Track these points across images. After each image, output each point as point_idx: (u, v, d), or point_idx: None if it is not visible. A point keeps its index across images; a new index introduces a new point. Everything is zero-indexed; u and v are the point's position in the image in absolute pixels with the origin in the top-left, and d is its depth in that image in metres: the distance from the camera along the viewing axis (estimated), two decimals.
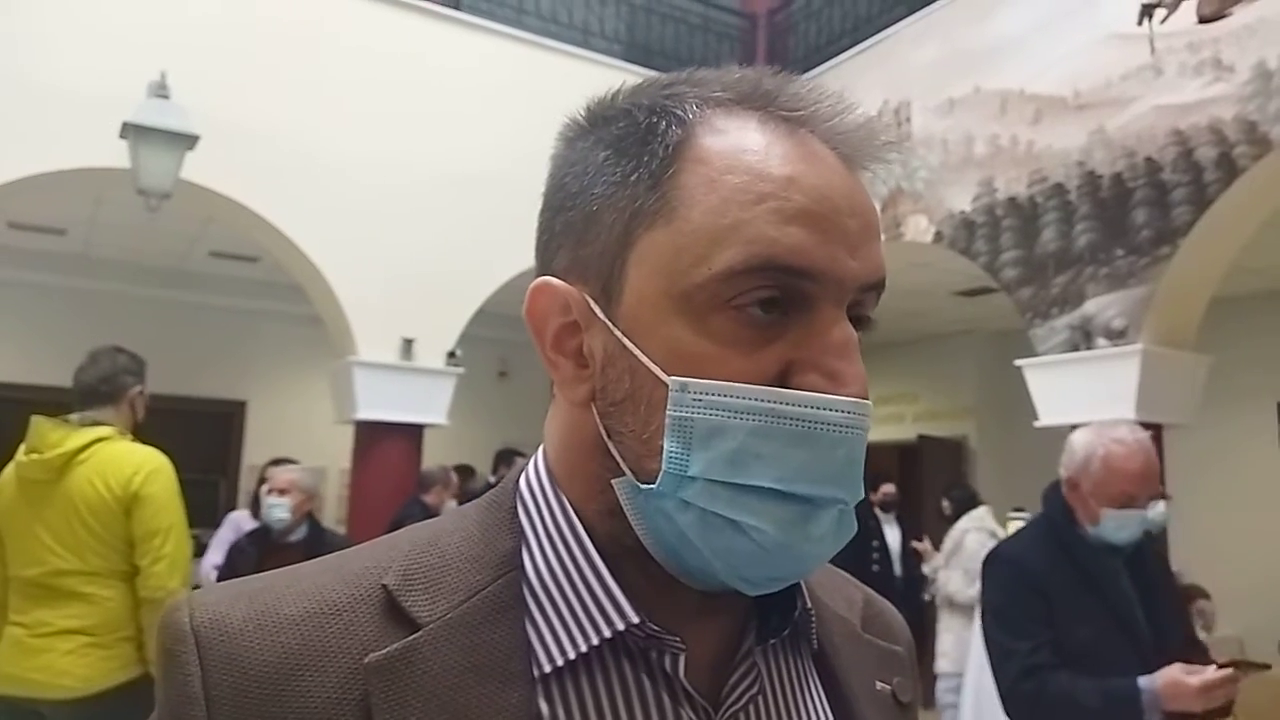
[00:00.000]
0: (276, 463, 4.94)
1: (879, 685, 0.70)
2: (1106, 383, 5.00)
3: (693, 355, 0.54)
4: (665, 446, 0.54)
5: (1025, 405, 5.54)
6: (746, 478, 0.53)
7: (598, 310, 0.58)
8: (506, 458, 7.16)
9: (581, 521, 0.60)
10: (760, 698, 0.62)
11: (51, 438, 2.98)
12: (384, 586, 0.58)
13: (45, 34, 5.36)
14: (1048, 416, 5.39)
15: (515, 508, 0.63)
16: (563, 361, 0.60)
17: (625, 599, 0.57)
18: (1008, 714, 2.30)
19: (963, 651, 5.51)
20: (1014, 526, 5.82)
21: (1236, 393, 7.02)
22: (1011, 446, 8.76)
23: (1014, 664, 2.24)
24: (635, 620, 0.56)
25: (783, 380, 0.55)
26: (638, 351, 0.56)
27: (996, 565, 2.44)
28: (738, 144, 0.57)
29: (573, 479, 0.62)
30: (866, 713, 0.67)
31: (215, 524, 6.28)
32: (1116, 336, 5.00)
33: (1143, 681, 2.11)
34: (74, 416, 3.07)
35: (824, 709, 0.66)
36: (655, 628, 0.57)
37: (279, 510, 3.96)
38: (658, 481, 0.54)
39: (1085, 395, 5.10)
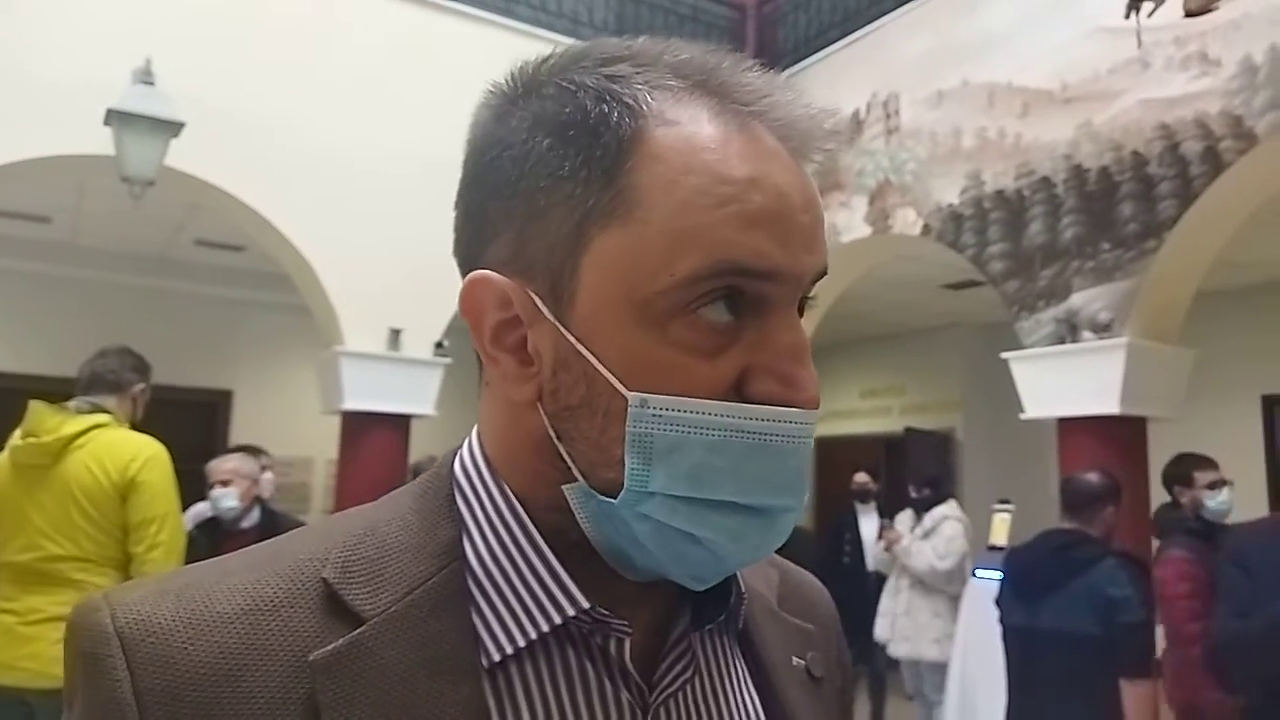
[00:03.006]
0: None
1: (795, 661, 0.71)
2: (1092, 376, 5.03)
3: (652, 363, 0.53)
4: (626, 462, 0.53)
5: (1012, 398, 5.57)
6: (706, 493, 0.53)
7: (546, 310, 0.56)
8: None
9: (525, 510, 0.59)
10: (691, 684, 0.62)
11: (49, 423, 2.99)
12: (323, 580, 0.56)
13: (29, 19, 5.31)
14: (1034, 409, 5.41)
15: (452, 494, 0.62)
16: (504, 357, 0.58)
17: (574, 585, 0.57)
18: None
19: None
20: (999, 519, 5.85)
21: (1221, 386, 7.08)
22: (998, 439, 8.82)
23: None
24: (586, 606, 0.56)
25: (739, 385, 0.55)
26: (595, 361, 0.54)
27: None
28: (693, 140, 0.54)
29: (514, 472, 0.60)
30: (787, 688, 0.68)
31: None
32: (1102, 330, 5.03)
33: None
34: (72, 403, 3.08)
35: (749, 687, 0.67)
36: (604, 612, 0.57)
37: (228, 500, 3.97)
38: (619, 498, 0.54)
39: (1071, 388, 5.13)
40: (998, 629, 3.60)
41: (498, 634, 0.57)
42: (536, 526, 0.59)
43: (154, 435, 3.13)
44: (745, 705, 0.66)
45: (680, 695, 0.61)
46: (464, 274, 0.60)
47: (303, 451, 8.63)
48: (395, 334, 6.40)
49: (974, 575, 5.43)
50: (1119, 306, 5.00)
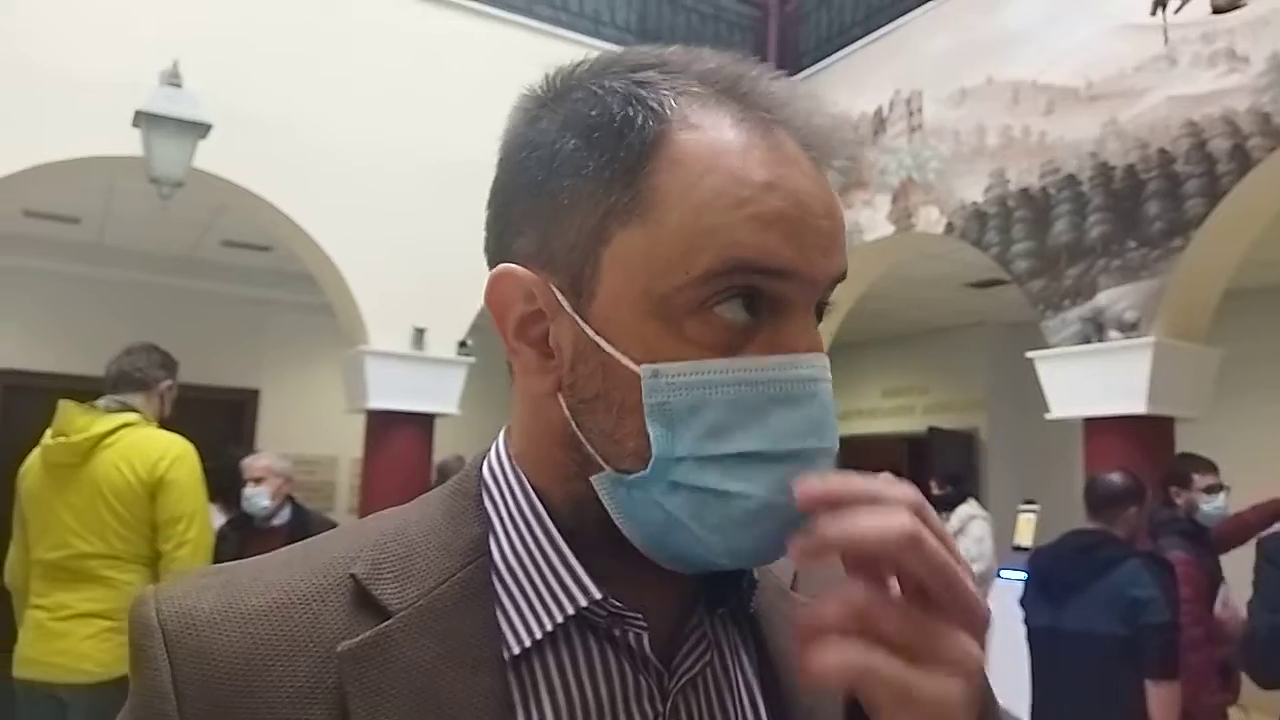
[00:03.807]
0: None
1: None
2: (1118, 375, 4.99)
3: (667, 357, 0.55)
4: (650, 433, 0.55)
5: (1037, 397, 5.53)
6: (733, 446, 0.54)
7: (565, 304, 0.58)
8: None
9: (545, 504, 0.61)
10: (709, 667, 0.63)
11: (79, 422, 3.02)
12: (353, 576, 0.58)
13: (59, 22, 5.38)
14: (1059, 409, 5.38)
15: (480, 494, 0.64)
16: (526, 350, 0.60)
17: (588, 576, 0.58)
18: None
19: None
20: (1024, 519, 5.82)
21: (1249, 386, 7.00)
22: (1023, 439, 8.76)
23: None
24: (598, 596, 0.57)
25: None
26: (612, 349, 0.56)
27: None
28: (715, 144, 0.56)
29: (538, 466, 0.62)
30: (789, 669, 0.67)
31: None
32: (1129, 329, 4.99)
33: None
34: (100, 402, 3.12)
35: (752, 670, 0.67)
36: (617, 604, 0.58)
37: (260, 499, 4.00)
38: (649, 467, 0.55)
39: (1097, 387, 5.09)
40: (1022, 629, 3.58)
41: (518, 627, 0.58)
42: (556, 518, 0.60)
43: (182, 434, 3.16)
44: (749, 691, 0.67)
45: (699, 681, 0.63)
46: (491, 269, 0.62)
47: (328, 450, 8.69)
48: (419, 333, 6.43)
49: (998, 575, 5.41)
50: (1145, 305, 4.95)
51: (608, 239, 0.56)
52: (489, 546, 0.61)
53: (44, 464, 3.05)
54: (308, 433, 8.52)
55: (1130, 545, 3.36)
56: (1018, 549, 5.59)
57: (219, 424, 8.42)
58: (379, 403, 6.32)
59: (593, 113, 0.58)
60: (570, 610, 0.58)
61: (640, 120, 0.57)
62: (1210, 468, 4.28)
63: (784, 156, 0.57)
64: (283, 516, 4.09)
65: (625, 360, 0.55)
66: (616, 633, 0.60)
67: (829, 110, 0.60)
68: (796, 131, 0.59)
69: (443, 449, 6.69)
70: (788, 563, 0.76)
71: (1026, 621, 3.54)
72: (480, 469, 0.66)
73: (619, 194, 0.56)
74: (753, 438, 0.54)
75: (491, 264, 0.63)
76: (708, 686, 0.63)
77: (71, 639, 2.91)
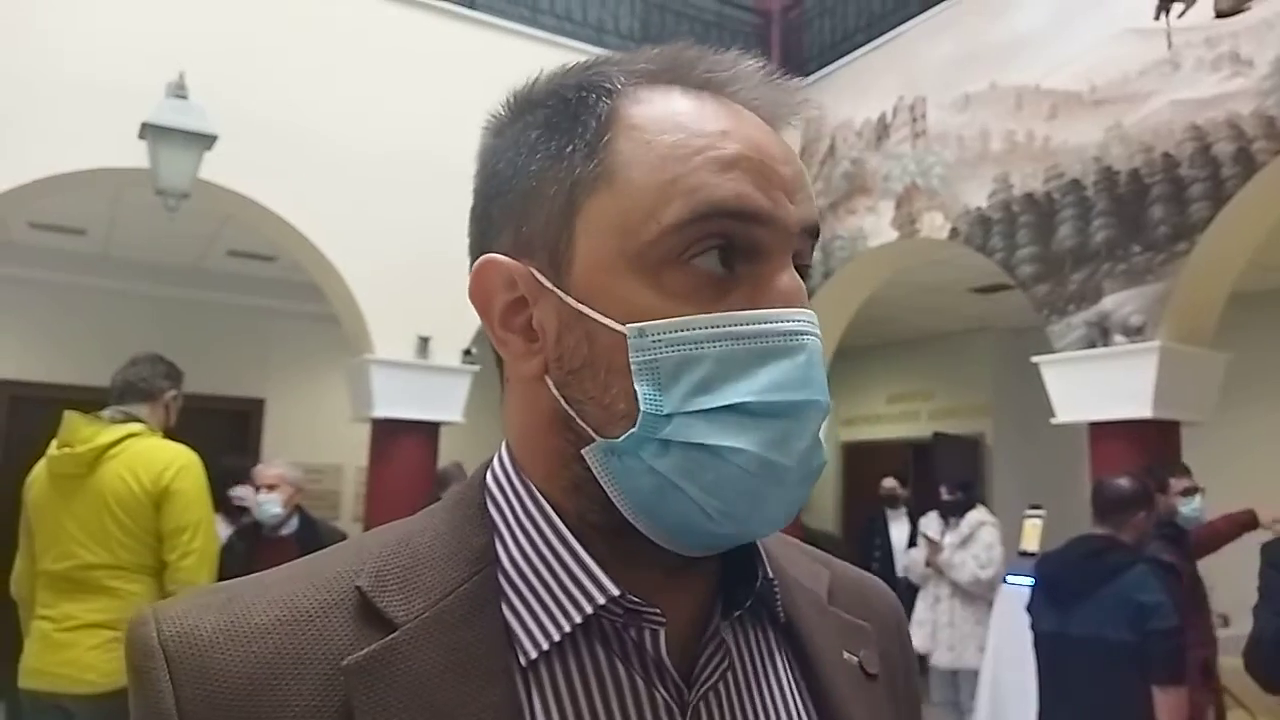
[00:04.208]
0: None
1: (846, 655, 0.70)
2: (1124, 380, 4.98)
3: (650, 312, 0.55)
4: (638, 390, 0.55)
5: (1042, 402, 5.52)
6: (722, 399, 0.54)
7: (546, 281, 0.59)
8: None
9: (549, 502, 0.60)
10: (730, 673, 0.62)
11: (84, 432, 3.03)
12: (357, 589, 0.57)
13: (64, 33, 5.40)
14: (1065, 414, 5.37)
15: (484, 503, 0.63)
16: (511, 338, 0.61)
17: (603, 573, 0.57)
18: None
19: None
20: (1030, 524, 5.80)
21: (1255, 390, 6.98)
22: (1028, 444, 8.74)
23: None
24: (615, 593, 0.56)
25: None
26: (593, 313, 0.56)
27: None
28: (666, 108, 0.59)
29: (535, 459, 0.62)
30: (836, 681, 0.67)
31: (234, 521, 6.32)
32: (1134, 333, 4.98)
33: None
34: (106, 413, 3.13)
35: (792, 680, 0.66)
36: (635, 599, 0.57)
37: (271, 506, 3.99)
38: (637, 425, 0.55)
39: (1103, 392, 5.08)
40: (1029, 635, 3.57)
41: (533, 630, 0.57)
42: (561, 515, 0.60)
43: (187, 444, 3.17)
44: (790, 701, 0.65)
45: (719, 691, 0.61)
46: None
47: (333, 459, 8.69)
48: (424, 342, 6.43)
49: (1005, 581, 5.39)
50: (1151, 309, 4.95)
51: (578, 209, 0.58)
52: (496, 554, 0.60)
53: (49, 475, 3.06)
54: (313, 442, 8.51)
55: (1137, 550, 3.35)
56: (1024, 554, 5.56)
57: (224, 433, 8.43)
58: (384, 411, 6.32)
59: (549, 103, 0.62)
60: (588, 609, 0.57)
61: (593, 99, 0.60)
62: (1185, 471, 4.33)
63: (734, 111, 0.60)
64: (291, 526, 4.09)
65: (609, 322, 0.56)
66: (631, 634, 0.58)
67: (774, 77, 0.63)
68: (742, 96, 0.61)
69: (447, 458, 6.69)
70: (823, 575, 0.75)
71: (1033, 627, 3.53)
72: (484, 477, 0.65)
73: (582, 166, 0.58)
74: (741, 390, 0.54)
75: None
76: (730, 696, 0.62)
77: (77, 649, 2.91)
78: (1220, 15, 4.76)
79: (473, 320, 6.48)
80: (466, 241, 0.66)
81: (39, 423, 3.17)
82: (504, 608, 0.58)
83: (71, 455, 3.00)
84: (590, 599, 0.57)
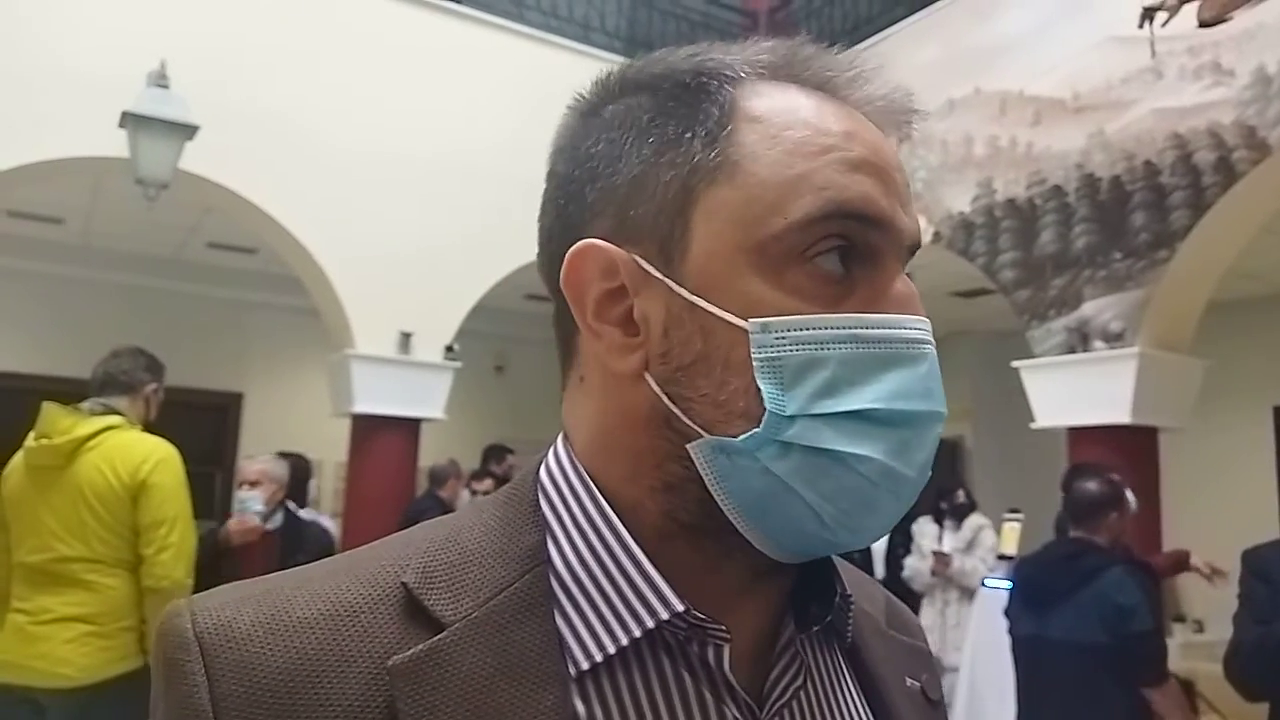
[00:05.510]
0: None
1: (909, 681, 0.69)
2: (1103, 385, 5.01)
3: (770, 309, 0.53)
4: (761, 389, 0.52)
5: (1022, 407, 5.55)
6: (846, 404, 0.53)
7: (655, 270, 0.56)
8: (496, 453, 7.12)
9: (615, 508, 0.57)
10: (803, 691, 0.59)
11: (62, 424, 3.00)
12: (403, 585, 0.55)
13: (44, 21, 5.35)
14: (1044, 418, 5.40)
15: (537, 500, 0.60)
16: (608, 330, 0.57)
17: (668, 586, 0.54)
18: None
19: None
20: (1009, 528, 5.83)
21: (1233, 397, 7.05)
22: (1008, 448, 8.78)
23: None
24: (680, 608, 0.54)
25: None
26: (710, 305, 0.54)
27: None
28: (789, 104, 0.58)
29: (613, 460, 0.59)
30: (902, 708, 0.66)
31: (211, 516, 6.28)
32: (1114, 339, 5.02)
33: None
34: (85, 405, 3.10)
35: (862, 704, 0.64)
36: (700, 615, 0.54)
37: (253, 503, 3.94)
38: (762, 425, 0.52)
39: (1082, 397, 5.11)
40: (1007, 639, 3.58)
41: (586, 640, 0.55)
42: (631, 519, 0.57)
43: (165, 437, 3.14)
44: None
45: (792, 709, 0.58)
46: (556, 271, 0.60)
47: (312, 454, 8.62)
48: (405, 337, 6.41)
49: (983, 584, 5.42)
50: (1130, 316, 4.98)
51: (695, 198, 0.56)
52: (548, 553, 0.57)
53: (27, 466, 3.03)
54: (292, 436, 8.43)
55: (1112, 553, 3.37)
56: (1003, 558, 5.59)
57: (203, 428, 8.37)
58: (364, 407, 6.29)
59: (664, 86, 0.59)
60: (650, 624, 0.54)
61: (715, 86, 0.58)
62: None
63: (852, 114, 0.59)
64: (275, 521, 4.05)
65: (728, 316, 0.54)
66: (695, 649, 0.56)
67: (888, 80, 0.62)
68: (856, 99, 0.60)
69: (428, 454, 6.67)
70: (879, 601, 0.73)
71: (1011, 631, 3.55)
72: (536, 473, 0.62)
73: (702, 154, 0.56)
74: (866, 396, 0.53)
75: (554, 267, 0.61)
76: (803, 717, 0.59)
77: (52, 643, 2.88)
78: (1203, 25, 4.80)
79: (455, 316, 6.48)
80: (539, 241, 0.63)
81: (16, 413, 3.13)
82: (554, 611, 0.56)
83: (49, 447, 2.97)
84: (652, 612, 0.54)
